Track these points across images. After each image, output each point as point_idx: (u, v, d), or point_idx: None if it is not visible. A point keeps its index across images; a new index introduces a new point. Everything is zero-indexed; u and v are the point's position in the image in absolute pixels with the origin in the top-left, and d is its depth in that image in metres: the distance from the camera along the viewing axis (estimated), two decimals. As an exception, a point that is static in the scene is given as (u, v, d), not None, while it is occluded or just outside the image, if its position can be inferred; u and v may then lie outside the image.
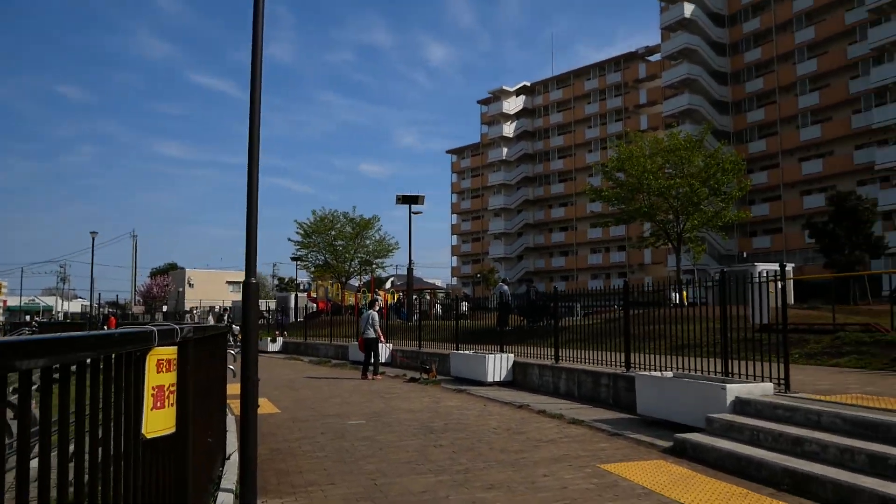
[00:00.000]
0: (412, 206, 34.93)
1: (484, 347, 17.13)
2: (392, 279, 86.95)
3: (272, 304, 57.70)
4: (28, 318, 79.87)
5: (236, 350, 30.98)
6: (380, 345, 17.78)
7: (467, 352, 16.49)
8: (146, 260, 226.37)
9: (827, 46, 56.23)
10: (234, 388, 15.43)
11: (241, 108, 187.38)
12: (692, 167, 23.76)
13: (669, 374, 9.79)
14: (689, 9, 64.01)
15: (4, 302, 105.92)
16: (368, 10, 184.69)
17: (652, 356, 11.36)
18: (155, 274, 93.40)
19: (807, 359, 12.27)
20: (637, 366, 11.31)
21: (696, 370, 9.72)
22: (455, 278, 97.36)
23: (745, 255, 57.16)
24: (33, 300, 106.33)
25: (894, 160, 48.07)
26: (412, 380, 16.26)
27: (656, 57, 72.64)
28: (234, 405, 12.96)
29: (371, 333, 17.42)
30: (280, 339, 31.20)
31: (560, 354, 13.74)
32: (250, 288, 6.19)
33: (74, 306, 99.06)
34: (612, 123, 76.49)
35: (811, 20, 57.77)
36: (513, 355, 15.19)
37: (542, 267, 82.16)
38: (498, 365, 14.88)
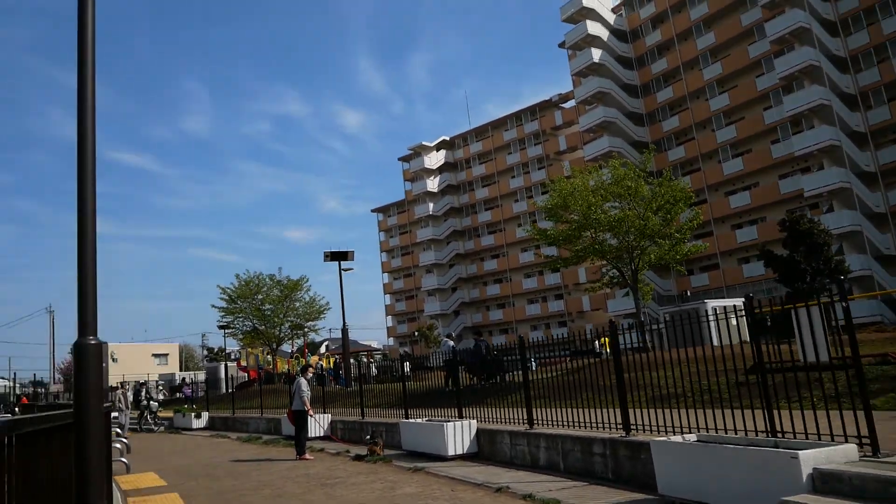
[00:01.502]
0: (342, 262, 32.66)
1: (437, 413, 14.88)
2: (327, 343, 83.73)
3: (201, 376, 54.07)
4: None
5: (158, 428, 27.94)
6: (309, 417, 15.32)
7: (419, 420, 14.19)
8: (68, 337, 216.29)
9: (736, 80, 56.98)
10: (134, 480, 12.70)
11: (161, 181, 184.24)
12: (638, 198, 22.30)
13: (692, 436, 7.77)
14: (597, 54, 64.61)
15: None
16: (279, 83, 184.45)
17: (648, 410, 9.41)
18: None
19: (831, 401, 10.44)
20: (638, 427, 9.28)
21: (723, 428, 7.71)
22: (391, 338, 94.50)
23: (688, 293, 56.42)
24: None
25: (821, 185, 48.16)
26: (358, 457, 13.83)
27: (571, 103, 72.93)
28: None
29: (299, 404, 15.01)
30: (205, 415, 28.13)
31: (535, 417, 11.59)
32: (84, 351, 4.22)
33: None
34: (535, 171, 76.13)
35: (716, 56, 58.64)
36: (475, 421, 12.96)
37: (480, 321, 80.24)
38: (459, 434, 12.62)
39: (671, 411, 9.05)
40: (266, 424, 23.08)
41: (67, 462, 5.03)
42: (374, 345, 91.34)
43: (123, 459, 10.32)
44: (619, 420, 9.55)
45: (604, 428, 9.97)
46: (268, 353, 45.77)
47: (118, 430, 11.54)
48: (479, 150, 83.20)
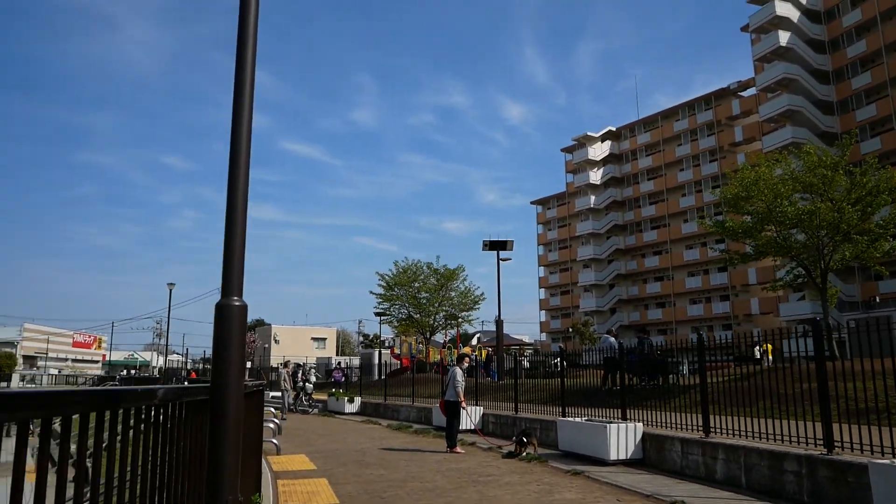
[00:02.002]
0: (500, 252, 31.98)
1: (596, 413, 13.79)
2: (478, 335, 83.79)
3: (356, 361, 55.33)
4: (125, 372, 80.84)
5: (312, 410, 28.45)
6: (462, 410, 14.59)
7: (578, 419, 13.16)
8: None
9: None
10: (285, 461, 12.49)
11: (329, 171, 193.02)
12: (834, 190, 19.90)
13: (923, 463, 6.35)
14: (784, 37, 59.84)
15: (104, 356, 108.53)
16: (444, 74, 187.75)
17: (846, 426, 8.00)
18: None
19: None
20: (842, 444, 7.86)
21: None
22: (544, 333, 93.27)
23: (876, 299, 51.43)
24: (132, 355, 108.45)
25: None
26: (510, 454, 13.00)
27: (751, 91, 68.35)
28: (287, 488, 10.01)
29: (452, 395, 14.31)
30: (358, 400, 28.33)
31: (712, 423, 10.29)
32: (227, 312, 3.64)
33: (172, 361, 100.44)
34: (707, 164, 72.17)
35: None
36: (641, 424, 11.78)
37: (638, 319, 77.29)
38: (623, 437, 11.50)
39: (880, 429, 7.60)
40: (417, 413, 22.77)
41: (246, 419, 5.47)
42: (526, 339, 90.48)
43: (274, 441, 10.02)
44: (820, 435, 8.16)
45: (798, 443, 8.58)
46: (421, 342, 45.99)
47: (273, 410, 11.30)
48: (646, 142, 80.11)
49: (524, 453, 12.70)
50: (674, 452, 10.70)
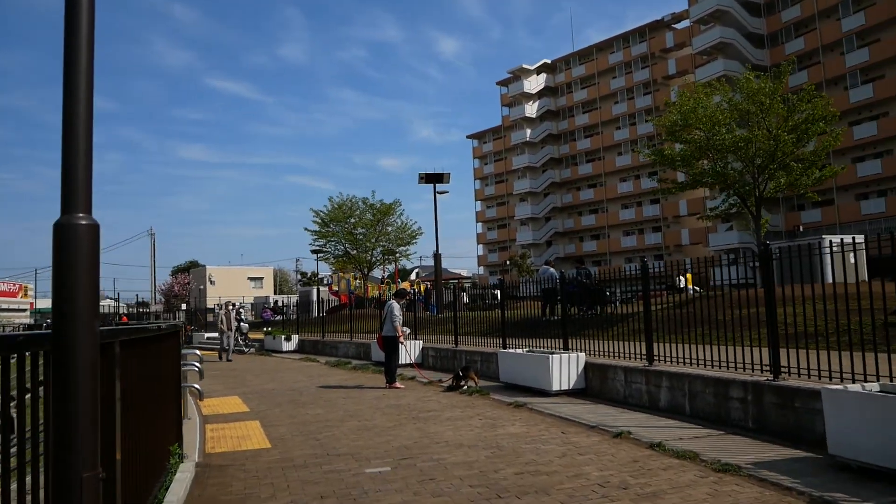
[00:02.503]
0: (437, 185, 31.43)
1: (535, 344, 13.60)
2: (417, 270, 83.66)
3: (293, 299, 54.58)
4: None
5: (247, 349, 27.79)
6: (400, 344, 14.20)
7: (520, 351, 12.91)
8: (170, 260, 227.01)
9: (873, -2, 51.74)
10: (216, 404, 11.94)
11: (260, 109, 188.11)
12: (770, 118, 19.84)
13: (874, 386, 6.18)
14: (716, -32, 59.79)
15: (31, 304, 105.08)
16: (375, 8, 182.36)
17: (787, 351, 7.91)
18: (176, 272, 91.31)
19: None
20: (789, 370, 7.74)
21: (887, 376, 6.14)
22: (482, 267, 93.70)
23: (799, 228, 52.86)
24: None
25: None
26: (451, 388, 12.72)
27: (684, 24, 68.39)
28: (216, 433, 9.47)
29: (390, 330, 13.90)
30: (295, 338, 27.83)
31: (655, 352, 10.13)
32: (70, 234, 2.91)
33: (106, 306, 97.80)
34: (641, 97, 72.36)
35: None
36: (584, 354, 11.59)
37: (573, 252, 78.02)
38: (565, 368, 11.29)
39: (829, 353, 7.47)
40: (355, 349, 22.41)
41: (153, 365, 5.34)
42: (465, 273, 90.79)
43: (196, 385, 9.46)
44: (767, 361, 8.02)
45: (744, 369, 8.45)
46: (358, 279, 45.50)
47: (197, 353, 10.69)
48: (581, 74, 79.68)
49: (465, 387, 12.44)
50: (617, 382, 10.54)
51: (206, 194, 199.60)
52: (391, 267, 45.73)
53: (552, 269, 21.71)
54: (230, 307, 24.57)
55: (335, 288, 50.70)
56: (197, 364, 9.47)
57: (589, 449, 7.20)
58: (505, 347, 14.14)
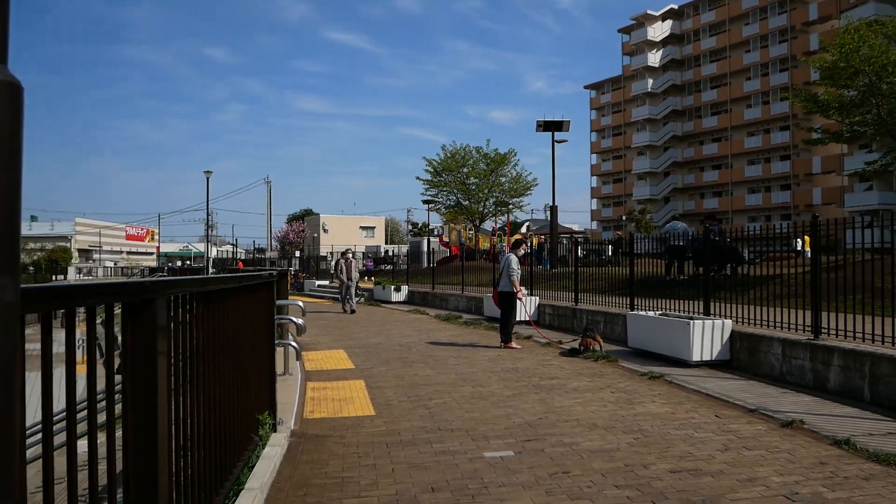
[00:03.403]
0: (555, 133, 29.76)
1: (664, 306, 12.14)
2: (528, 223, 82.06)
3: (404, 249, 54.41)
4: (179, 263, 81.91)
5: (358, 298, 27.27)
6: (517, 301, 13.06)
7: (651, 313, 11.54)
8: (286, 208, 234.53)
9: None
10: (321, 358, 11.19)
11: (375, 60, 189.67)
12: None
13: None
14: None
15: (157, 248, 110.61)
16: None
17: None
18: (291, 220, 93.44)
19: None
20: None
21: None
22: (595, 222, 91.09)
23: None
24: (187, 247, 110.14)
25: None
26: (572, 351, 11.52)
27: (830, -36, 62.73)
28: (317, 393, 8.70)
29: (507, 286, 12.73)
30: (405, 289, 27.20)
31: (823, 322, 8.56)
32: None
33: (224, 252, 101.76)
34: (776, 45, 67.28)
35: None
36: (730, 321, 10.10)
37: (693, 209, 74.53)
38: (707, 336, 9.86)
39: None
40: (466, 303, 21.48)
41: (233, 323, 4.53)
42: (575, 228, 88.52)
43: (294, 344, 8.63)
44: None
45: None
46: (469, 230, 44.58)
47: (300, 304, 9.87)
48: (710, 20, 74.76)
49: (590, 350, 11.18)
50: (771, 355, 9.05)
51: (321, 145, 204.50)
52: (503, 218, 44.52)
53: (683, 224, 20.01)
54: (351, 256, 23.62)
55: (445, 239, 49.99)
56: (297, 319, 8.63)
57: (756, 441, 5.87)
58: (632, 308, 12.79)
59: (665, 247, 17.52)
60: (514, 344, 12.40)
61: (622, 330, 12.57)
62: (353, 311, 21.74)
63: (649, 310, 12.14)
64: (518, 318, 13.83)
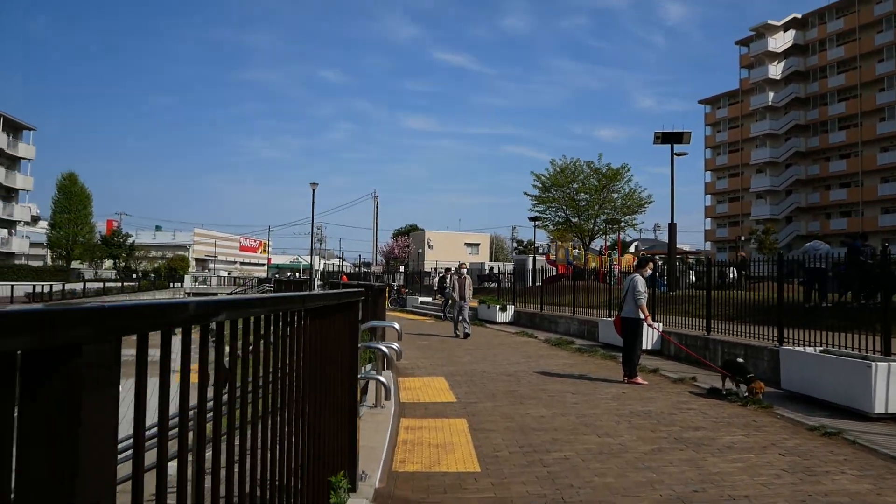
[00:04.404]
0: (674, 146, 27.67)
1: (827, 339, 10.15)
2: (636, 243, 79.12)
3: (509, 267, 52.91)
4: (289, 274, 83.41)
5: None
6: (645, 328, 11.37)
7: (810, 349, 9.61)
8: (392, 223, 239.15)
9: None
10: (420, 386, 9.72)
11: (480, 80, 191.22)
12: None
13: None
14: None
15: (269, 259, 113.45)
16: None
17: None
18: (397, 235, 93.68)
19: None
20: None
21: None
22: (709, 242, 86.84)
23: None
24: (297, 259, 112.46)
25: None
26: (711, 392, 9.71)
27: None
28: (410, 434, 7.26)
29: (632, 311, 11.03)
30: (511, 308, 25.67)
31: None
32: None
33: (331, 265, 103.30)
34: (911, 52, 62.38)
35: None
36: (922, 364, 8.13)
37: (817, 230, 69.62)
38: (893, 383, 7.94)
39: None
40: (578, 326, 19.77)
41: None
42: (686, 248, 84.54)
43: (381, 379, 7.26)
44: None
45: None
46: (577, 248, 42.64)
47: (396, 327, 8.55)
48: (838, 29, 70.07)
49: (743, 394, 9.26)
50: None
51: (428, 162, 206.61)
52: (613, 237, 42.39)
53: (826, 245, 17.76)
54: (465, 271, 20.72)
55: (552, 257, 48.14)
56: (391, 346, 7.31)
57: None
58: (782, 342, 10.87)
59: (804, 270, 15.38)
60: (639, 379, 10.70)
61: (768, 367, 10.70)
62: (466, 336, 18.99)
63: (806, 344, 10.21)
64: (644, 347, 12.12)
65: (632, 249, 66.51)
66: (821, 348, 9.61)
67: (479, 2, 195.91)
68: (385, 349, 7.03)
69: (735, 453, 6.35)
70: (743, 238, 66.01)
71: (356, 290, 4.86)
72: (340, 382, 4.64)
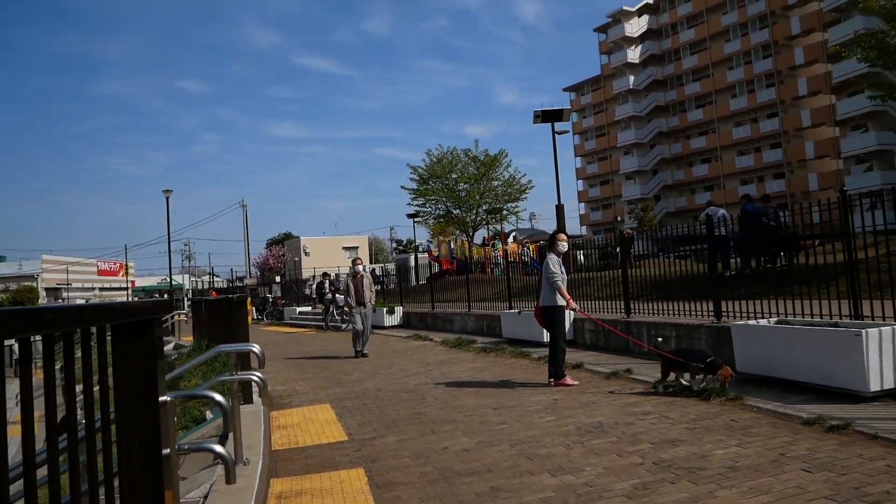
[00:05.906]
0: (555, 124, 26.40)
1: (758, 310, 8.72)
2: (514, 233, 78.74)
3: (389, 267, 50.91)
4: (155, 296, 78.20)
5: (345, 325, 23.31)
6: (565, 313, 9.57)
7: (763, 322, 8.08)
8: (266, 234, 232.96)
9: None
10: (297, 420, 7.51)
11: (347, 84, 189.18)
12: None
13: None
14: None
15: (132, 283, 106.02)
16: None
17: None
18: (271, 244, 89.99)
19: None
20: None
21: None
22: (584, 227, 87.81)
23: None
24: (164, 279, 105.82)
25: None
26: (664, 387, 7.97)
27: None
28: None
29: (552, 298, 9.22)
30: (399, 310, 23.63)
31: None
32: None
33: (201, 282, 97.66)
34: (756, 32, 64.87)
35: None
36: (916, 327, 6.67)
37: (685, 206, 71.70)
38: (888, 352, 6.44)
39: None
40: (476, 323, 17.97)
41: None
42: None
43: (218, 449, 5.05)
44: None
45: None
46: (459, 243, 41.11)
47: (255, 350, 6.27)
48: (688, 12, 72.22)
49: (724, 383, 7.43)
50: None
51: (298, 169, 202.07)
52: (495, 227, 41.13)
53: (722, 210, 16.78)
54: (362, 269, 15.53)
55: (435, 253, 46.47)
56: (255, 376, 5.11)
57: None
58: (719, 316, 9.40)
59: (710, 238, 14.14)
60: (568, 380, 8.85)
61: (708, 347, 9.14)
62: (363, 354, 14.82)
63: (750, 316, 8.72)
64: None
65: (510, 240, 65.84)
66: (775, 319, 8.11)
67: (340, 5, 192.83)
68: (220, 398, 4.76)
69: (746, 478, 4.55)
70: (619, 219, 66.68)
71: (155, 301, 2.69)
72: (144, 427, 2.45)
